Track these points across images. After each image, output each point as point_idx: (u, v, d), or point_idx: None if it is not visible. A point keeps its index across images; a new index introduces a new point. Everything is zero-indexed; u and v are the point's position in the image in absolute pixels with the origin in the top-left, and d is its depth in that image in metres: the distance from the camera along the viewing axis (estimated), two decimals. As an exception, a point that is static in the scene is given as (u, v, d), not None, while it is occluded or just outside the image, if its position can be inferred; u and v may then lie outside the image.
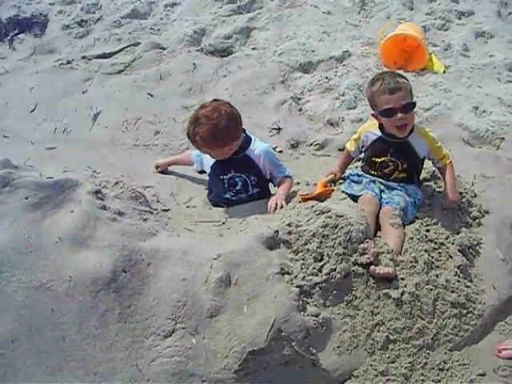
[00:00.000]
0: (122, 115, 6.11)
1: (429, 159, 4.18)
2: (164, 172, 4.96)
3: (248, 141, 4.29)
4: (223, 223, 3.97)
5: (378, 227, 3.86)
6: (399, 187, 4.10)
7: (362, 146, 4.30)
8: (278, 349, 3.03)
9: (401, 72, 4.17)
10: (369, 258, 3.42)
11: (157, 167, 4.97)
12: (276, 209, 3.96)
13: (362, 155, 4.38)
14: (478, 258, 3.86)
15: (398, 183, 4.13)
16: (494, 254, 3.88)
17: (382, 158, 4.13)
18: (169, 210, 4.21)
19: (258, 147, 4.27)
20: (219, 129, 3.96)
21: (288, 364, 3.08)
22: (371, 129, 4.20)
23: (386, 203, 3.98)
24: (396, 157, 4.08)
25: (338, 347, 3.19)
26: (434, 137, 4.18)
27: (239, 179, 4.28)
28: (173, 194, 4.54)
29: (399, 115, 3.87)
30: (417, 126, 4.13)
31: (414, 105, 3.92)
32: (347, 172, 4.38)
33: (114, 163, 5.00)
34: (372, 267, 3.41)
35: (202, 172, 4.65)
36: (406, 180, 4.16)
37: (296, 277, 3.25)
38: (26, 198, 3.39)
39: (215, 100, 4.20)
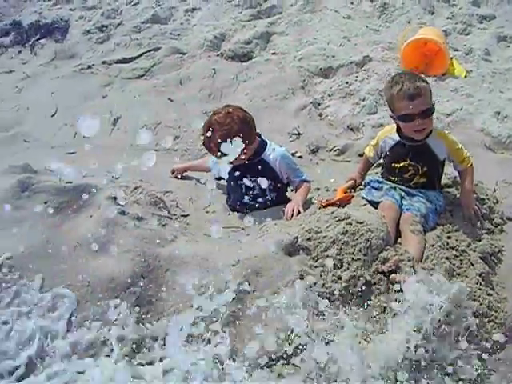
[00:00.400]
0: (141, 120, 6.12)
1: (450, 161, 4.14)
2: (180, 177, 4.92)
3: (263, 145, 4.28)
4: (242, 229, 3.95)
5: (398, 234, 3.82)
6: (420, 193, 4.06)
7: (381, 153, 4.27)
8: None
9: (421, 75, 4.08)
10: (390, 267, 3.38)
11: (172, 172, 4.97)
12: (293, 215, 3.93)
13: (382, 161, 4.35)
14: (500, 266, 3.81)
15: (418, 189, 4.09)
16: (517, 262, 3.83)
17: (402, 163, 4.10)
18: (188, 215, 4.20)
19: (273, 151, 4.27)
20: (232, 134, 3.93)
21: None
22: (389, 134, 4.17)
23: (407, 210, 3.94)
24: (415, 160, 4.05)
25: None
26: (454, 139, 4.15)
27: (256, 184, 4.23)
28: (192, 199, 4.52)
29: (418, 121, 3.84)
30: (435, 129, 4.10)
31: (433, 110, 3.88)
32: (367, 178, 4.35)
33: (133, 168, 5.00)
34: (393, 275, 3.36)
35: (219, 179, 4.65)
36: (427, 185, 4.11)
37: (315, 284, 3.22)
38: (46, 203, 3.41)
39: (227, 106, 4.21)
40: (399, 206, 3.98)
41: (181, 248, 3.40)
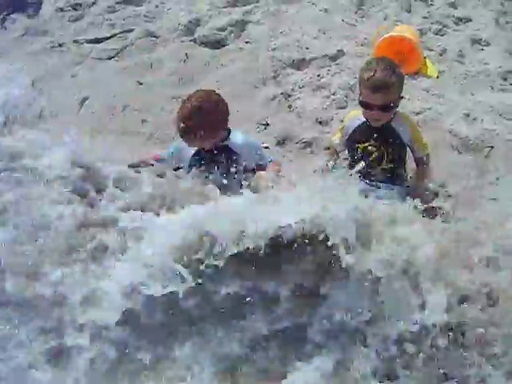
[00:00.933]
0: (109, 101, 6.04)
1: (409, 147, 4.11)
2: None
3: (227, 132, 4.19)
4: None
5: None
6: (387, 188, 4.02)
7: (346, 134, 4.22)
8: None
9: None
10: None
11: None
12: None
13: (346, 150, 4.30)
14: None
15: (384, 181, 4.04)
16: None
17: (366, 144, 4.05)
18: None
19: (238, 138, 4.17)
20: (215, 106, 3.96)
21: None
22: (357, 115, 4.15)
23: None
24: (380, 141, 4.01)
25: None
26: (416, 123, 4.25)
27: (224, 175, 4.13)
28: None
29: (375, 112, 3.85)
30: (398, 111, 4.07)
31: (394, 105, 3.86)
32: None
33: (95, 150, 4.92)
34: None
35: (177, 169, 4.39)
36: (395, 172, 4.08)
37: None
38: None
39: (201, 90, 4.14)
40: None
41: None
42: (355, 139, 4.10)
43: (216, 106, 3.99)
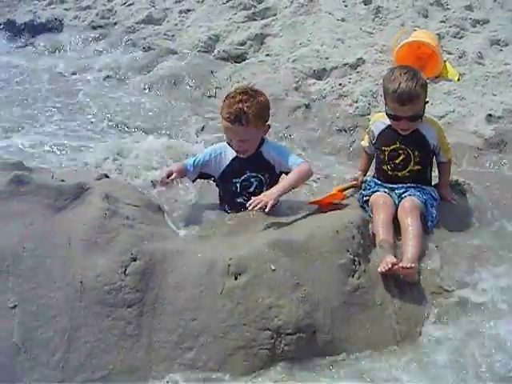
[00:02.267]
0: (136, 120, 6.12)
1: (435, 150, 4.09)
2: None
3: (262, 139, 4.15)
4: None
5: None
6: (416, 187, 4.00)
7: (373, 137, 4.20)
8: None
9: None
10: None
11: (154, 185, 4.33)
12: (255, 207, 3.68)
13: (374, 161, 4.32)
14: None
15: (414, 184, 4.04)
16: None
17: (392, 147, 4.02)
18: (180, 214, 4.18)
19: (271, 146, 4.15)
20: (265, 103, 3.99)
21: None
22: (381, 118, 4.12)
23: (404, 197, 3.93)
24: (406, 144, 3.98)
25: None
26: (442, 127, 4.17)
27: (255, 179, 4.12)
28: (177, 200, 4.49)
29: (403, 123, 3.87)
30: (425, 116, 4.03)
31: (421, 114, 3.88)
32: (365, 179, 4.31)
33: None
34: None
35: (196, 179, 4.36)
36: (422, 175, 4.06)
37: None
38: (39, 201, 3.41)
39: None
40: (394, 203, 3.95)
41: (175, 246, 3.42)
42: (382, 142, 4.10)
43: (262, 93, 4.06)
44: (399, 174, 4.06)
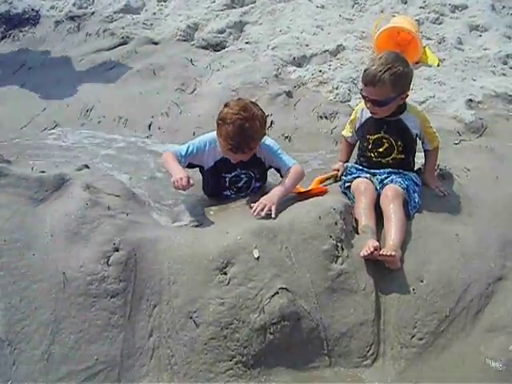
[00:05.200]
0: (114, 110, 6.07)
1: (419, 139, 4.13)
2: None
3: None
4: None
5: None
6: (399, 173, 4.03)
7: (356, 127, 4.24)
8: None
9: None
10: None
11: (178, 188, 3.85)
12: (260, 213, 3.65)
13: (358, 142, 4.32)
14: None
15: (396, 170, 4.05)
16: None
17: (376, 135, 4.05)
18: (162, 204, 4.16)
19: (262, 142, 4.05)
20: (263, 116, 3.91)
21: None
22: (365, 107, 4.11)
23: (386, 184, 3.94)
24: (390, 133, 4.01)
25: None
26: (427, 117, 4.17)
27: (245, 175, 4.12)
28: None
29: (369, 105, 3.91)
30: (409, 105, 4.09)
31: (388, 102, 3.86)
32: (346, 165, 4.30)
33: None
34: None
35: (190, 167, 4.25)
36: (405, 164, 4.09)
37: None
38: (19, 192, 3.38)
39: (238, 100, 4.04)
40: (375, 189, 3.96)
41: (158, 236, 3.40)
42: (365, 131, 4.12)
43: (255, 104, 3.97)
44: (383, 160, 4.09)
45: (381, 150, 4.07)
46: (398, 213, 3.72)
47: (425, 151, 4.22)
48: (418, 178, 4.11)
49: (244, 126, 3.72)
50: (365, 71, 3.86)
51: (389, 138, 4.02)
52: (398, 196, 3.80)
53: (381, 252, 3.43)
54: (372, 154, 4.13)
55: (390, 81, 3.77)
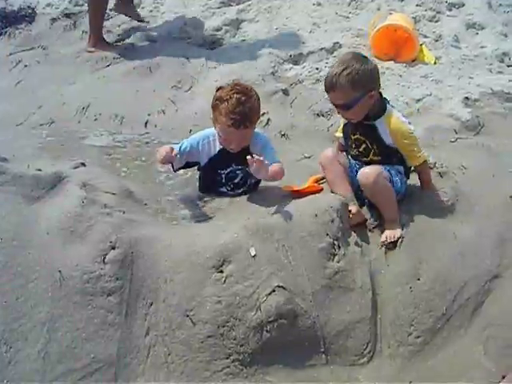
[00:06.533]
0: (111, 108, 6.05)
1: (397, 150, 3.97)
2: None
3: None
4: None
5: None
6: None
7: (343, 126, 4.22)
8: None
9: (369, 60, 3.91)
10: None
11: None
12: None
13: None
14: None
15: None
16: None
17: (356, 136, 4.01)
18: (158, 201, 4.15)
19: (257, 136, 4.08)
20: (257, 96, 3.94)
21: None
22: None
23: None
24: (364, 136, 3.95)
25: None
26: (406, 131, 3.91)
27: (241, 171, 4.08)
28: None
29: (338, 110, 3.94)
30: (388, 111, 3.92)
31: (353, 105, 3.79)
32: None
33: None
34: None
35: (180, 169, 4.23)
36: (385, 163, 3.95)
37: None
38: (15, 191, 3.37)
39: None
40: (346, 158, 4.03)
41: (155, 234, 3.40)
42: (348, 130, 4.09)
43: (249, 86, 4.04)
44: (363, 159, 4.01)
45: (361, 149, 4.00)
46: (383, 191, 3.76)
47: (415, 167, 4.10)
48: (402, 170, 4.00)
49: (241, 99, 3.77)
50: (325, 78, 3.87)
51: (365, 140, 3.96)
52: (378, 172, 3.74)
53: (382, 240, 3.62)
54: (354, 153, 4.09)
55: (347, 81, 3.72)
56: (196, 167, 4.28)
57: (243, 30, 7.53)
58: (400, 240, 3.65)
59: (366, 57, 3.96)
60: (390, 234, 3.68)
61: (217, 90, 3.99)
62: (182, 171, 4.37)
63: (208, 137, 4.09)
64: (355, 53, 4.03)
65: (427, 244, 3.68)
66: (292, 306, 3.16)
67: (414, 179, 4.15)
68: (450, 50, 7.12)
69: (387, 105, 3.95)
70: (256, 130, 4.12)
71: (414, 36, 6.72)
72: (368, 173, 3.75)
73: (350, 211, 3.69)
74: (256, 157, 3.56)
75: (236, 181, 4.14)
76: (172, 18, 7.83)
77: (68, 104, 6.18)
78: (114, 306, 3.09)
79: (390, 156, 3.96)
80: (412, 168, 4.10)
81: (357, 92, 3.75)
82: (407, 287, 3.45)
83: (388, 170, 3.85)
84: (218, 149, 4.07)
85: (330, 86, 3.78)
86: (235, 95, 3.78)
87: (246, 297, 3.13)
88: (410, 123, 4.00)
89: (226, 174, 4.11)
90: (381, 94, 3.96)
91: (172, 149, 3.82)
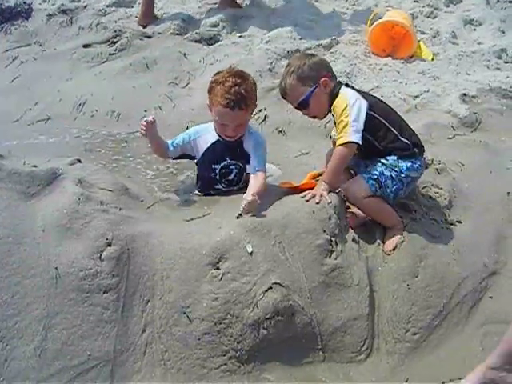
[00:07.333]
0: (108, 104, 6.04)
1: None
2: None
3: None
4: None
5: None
6: (376, 162, 3.79)
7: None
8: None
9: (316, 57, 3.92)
10: None
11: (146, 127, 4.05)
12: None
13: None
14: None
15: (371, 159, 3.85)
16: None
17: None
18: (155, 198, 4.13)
19: (251, 134, 4.03)
20: (254, 82, 3.95)
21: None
22: None
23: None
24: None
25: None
26: (343, 102, 3.71)
27: (235, 167, 4.05)
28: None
29: (303, 112, 3.98)
30: (340, 94, 3.78)
31: (306, 100, 3.82)
32: None
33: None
34: None
35: (178, 158, 4.31)
36: (368, 151, 3.82)
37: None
38: (11, 187, 3.35)
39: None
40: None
41: (150, 231, 3.38)
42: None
43: (246, 72, 4.01)
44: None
45: None
46: (367, 207, 3.74)
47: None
48: (398, 162, 3.74)
49: (237, 81, 3.77)
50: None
51: None
52: (355, 194, 3.71)
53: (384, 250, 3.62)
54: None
55: (293, 79, 3.81)
56: (195, 162, 4.25)
57: (240, 26, 7.53)
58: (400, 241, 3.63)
59: (311, 54, 4.07)
60: (388, 244, 3.66)
61: (213, 76, 4.00)
62: (178, 170, 4.48)
63: (201, 131, 4.11)
64: (298, 53, 4.06)
65: (424, 241, 3.67)
66: (289, 302, 3.15)
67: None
68: (447, 46, 7.14)
69: (340, 88, 3.84)
70: (256, 130, 4.18)
71: (411, 32, 6.73)
72: (346, 194, 3.78)
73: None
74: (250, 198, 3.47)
75: (230, 177, 4.10)
76: (169, 13, 7.82)
77: (64, 100, 6.17)
78: (110, 303, 3.07)
79: (369, 147, 3.76)
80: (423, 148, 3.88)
81: (307, 86, 3.81)
82: (404, 284, 3.44)
83: (374, 177, 3.70)
84: (210, 142, 4.06)
85: (283, 91, 3.90)
86: (231, 78, 3.79)
87: (243, 294, 3.11)
88: (365, 99, 3.76)
89: (219, 169, 4.06)
90: (339, 82, 3.92)
91: (153, 120, 4.03)
